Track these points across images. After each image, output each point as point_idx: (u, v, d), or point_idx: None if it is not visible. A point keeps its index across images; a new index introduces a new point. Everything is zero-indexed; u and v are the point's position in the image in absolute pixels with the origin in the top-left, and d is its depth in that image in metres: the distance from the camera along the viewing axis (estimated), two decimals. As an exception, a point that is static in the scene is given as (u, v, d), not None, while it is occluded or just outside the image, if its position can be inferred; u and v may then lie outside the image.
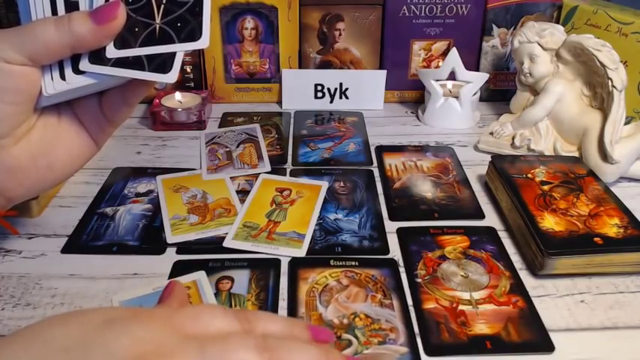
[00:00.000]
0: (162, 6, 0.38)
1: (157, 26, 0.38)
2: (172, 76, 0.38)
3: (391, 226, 0.55)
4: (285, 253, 0.51)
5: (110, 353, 0.25)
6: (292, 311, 0.44)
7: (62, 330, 0.26)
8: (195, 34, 0.38)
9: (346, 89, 0.81)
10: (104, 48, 0.37)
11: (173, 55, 0.38)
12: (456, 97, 0.76)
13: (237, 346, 0.27)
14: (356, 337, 0.41)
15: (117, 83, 0.40)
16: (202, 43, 0.39)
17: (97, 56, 0.37)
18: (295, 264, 0.49)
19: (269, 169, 0.65)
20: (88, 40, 0.36)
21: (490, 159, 0.61)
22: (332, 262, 0.49)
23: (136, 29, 0.38)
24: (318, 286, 0.46)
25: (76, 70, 0.38)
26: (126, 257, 0.50)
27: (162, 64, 0.38)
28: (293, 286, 0.46)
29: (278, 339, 0.29)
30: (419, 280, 0.47)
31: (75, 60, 0.38)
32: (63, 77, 0.37)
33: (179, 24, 0.38)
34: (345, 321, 0.43)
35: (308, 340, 0.31)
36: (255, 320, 0.30)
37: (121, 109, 0.42)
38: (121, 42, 0.37)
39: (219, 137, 0.72)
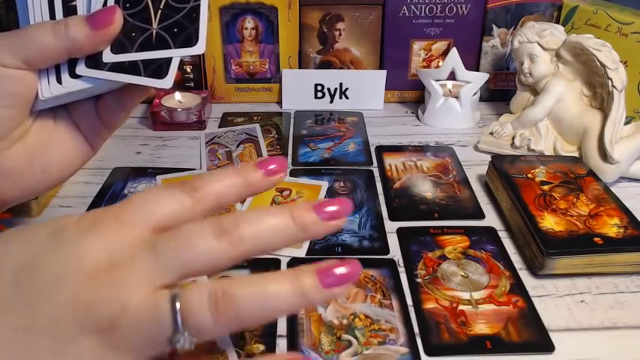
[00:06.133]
0: (160, 11, 0.38)
1: (154, 31, 0.38)
2: (168, 82, 0.38)
3: (391, 226, 0.55)
4: (285, 253, 0.50)
5: (59, 275, 0.25)
6: (292, 311, 0.44)
7: (5, 248, 0.26)
8: (191, 40, 0.39)
9: (346, 89, 0.81)
10: (101, 52, 0.37)
11: (169, 60, 0.38)
12: (456, 97, 0.76)
13: (192, 238, 0.26)
14: (356, 337, 0.41)
15: (113, 87, 0.40)
16: (198, 49, 0.39)
17: (94, 60, 0.37)
18: (295, 264, 0.49)
19: (269, 169, 0.65)
20: (84, 45, 0.36)
21: (490, 159, 0.61)
22: (332, 262, 0.49)
23: (133, 34, 0.38)
24: (318, 286, 0.46)
25: (73, 74, 0.38)
26: (126, 257, 0.50)
27: (158, 69, 0.38)
28: (293, 286, 0.46)
29: (236, 214, 0.27)
30: (419, 280, 0.47)
31: (71, 64, 0.37)
32: (59, 81, 0.37)
33: (176, 29, 0.38)
34: (345, 321, 0.43)
35: (261, 179, 0.30)
36: (202, 186, 0.29)
37: (117, 113, 0.42)
38: (118, 47, 0.37)
39: (219, 137, 0.72)
